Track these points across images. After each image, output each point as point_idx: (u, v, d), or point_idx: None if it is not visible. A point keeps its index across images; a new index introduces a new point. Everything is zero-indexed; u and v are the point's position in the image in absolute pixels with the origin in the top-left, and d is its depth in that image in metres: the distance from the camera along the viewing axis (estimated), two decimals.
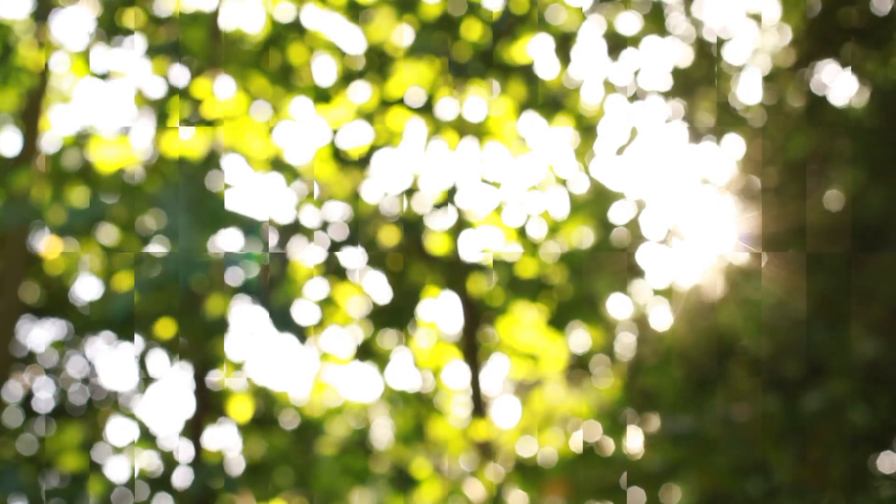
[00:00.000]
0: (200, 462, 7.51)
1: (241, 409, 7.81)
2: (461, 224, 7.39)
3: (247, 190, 7.00)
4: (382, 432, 8.27)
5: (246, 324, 7.16)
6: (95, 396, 8.09)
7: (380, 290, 7.45)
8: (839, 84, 6.83)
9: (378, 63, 7.22)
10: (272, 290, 6.86)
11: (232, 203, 6.75)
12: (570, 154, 7.37)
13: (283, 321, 6.78)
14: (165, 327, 7.16)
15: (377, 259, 7.36)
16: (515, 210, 7.43)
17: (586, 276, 7.37)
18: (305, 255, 7.19)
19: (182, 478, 7.49)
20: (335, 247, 7.26)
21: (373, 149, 7.31)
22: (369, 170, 7.37)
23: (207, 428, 7.65)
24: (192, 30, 7.05)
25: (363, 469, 7.90)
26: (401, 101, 7.26)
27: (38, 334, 7.96)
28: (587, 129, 7.24)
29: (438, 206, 7.39)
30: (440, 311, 7.75)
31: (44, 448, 7.82)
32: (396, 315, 7.52)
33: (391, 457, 8.16)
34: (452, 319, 7.83)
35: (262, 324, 7.04)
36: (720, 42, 7.01)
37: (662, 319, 7.26)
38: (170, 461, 7.59)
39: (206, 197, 6.57)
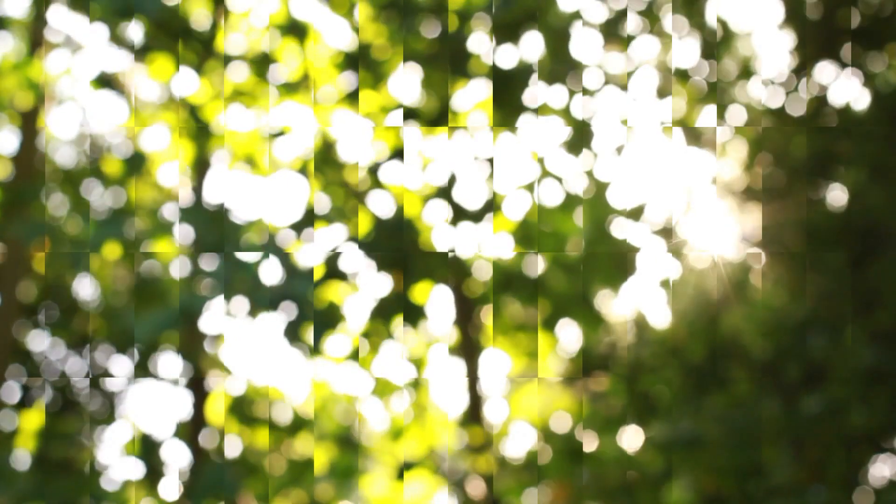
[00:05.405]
0: (198, 462, 7.51)
1: (238, 408, 7.81)
2: (456, 220, 7.38)
3: (247, 193, 7.00)
4: (376, 427, 8.28)
5: (245, 325, 7.15)
6: (93, 396, 8.10)
7: (375, 286, 7.44)
8: (840, 85, 6.83)
9: (372, 63, 7.21)
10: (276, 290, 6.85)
11: (234, 207, 6.76)
12: (568, 152, 7.35)
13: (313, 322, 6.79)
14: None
15: (373, 257, 7.35)
16: (511, 206, 7.42)
17: (583, 274, 7.36)
18: (306, 256, 7.18)
19: (180, 478, 7.50)
20: (333, 246, 7.25)
21: (369, 148, 7.30)
22: (365, 168, 7.36)
23: (205, 428, 7.65)
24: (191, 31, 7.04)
25: (357, 464, 7.90)
26: (396, 99, 7.25)
27: (36, 334, 7.97)
28: (583, 126, 7.23)
29: (433, 201, 7.39)
30: (435, 306, 7.75)
31: (42, 448, 7.82)
32: (391, 311, 7.50)
33: (385, 450, 8.17)
34: (447, 315, 7.83)
35: (264, 326, 7.04)
36: (721, 42, 7.01)
37: (661, 320, 7.26)
38: (166, 462, 7.60)
39: (206, 201, 6.58)
